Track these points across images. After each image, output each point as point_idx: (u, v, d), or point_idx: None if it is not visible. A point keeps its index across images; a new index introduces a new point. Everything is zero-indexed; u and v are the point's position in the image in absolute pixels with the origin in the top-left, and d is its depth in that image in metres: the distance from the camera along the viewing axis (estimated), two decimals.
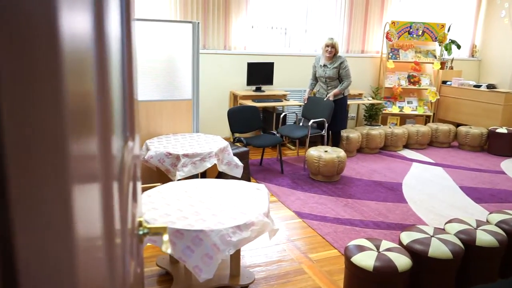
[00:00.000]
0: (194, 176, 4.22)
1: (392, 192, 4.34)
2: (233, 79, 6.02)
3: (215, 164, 3.66)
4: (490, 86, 6.80)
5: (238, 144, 4.71)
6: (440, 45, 6.76)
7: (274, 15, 6.16)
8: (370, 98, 6.28)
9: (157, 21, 3.92)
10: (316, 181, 4.59)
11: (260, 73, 5.92)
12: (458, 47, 7.23)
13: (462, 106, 6.79)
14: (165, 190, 2.70)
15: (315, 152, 4.59)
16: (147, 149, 3.73)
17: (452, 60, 7.36)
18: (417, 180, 4.76)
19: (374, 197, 4.18)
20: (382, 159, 5.58)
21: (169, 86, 4.11)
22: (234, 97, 5.97)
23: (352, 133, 5.56)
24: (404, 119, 7.10)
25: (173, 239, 2.19)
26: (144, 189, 3.94)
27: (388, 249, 2.35)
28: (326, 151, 4.63)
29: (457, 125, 7.26)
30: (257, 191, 2.73)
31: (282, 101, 5.77)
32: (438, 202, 4.12)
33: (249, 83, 5.88)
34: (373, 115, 6.58)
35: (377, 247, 2.39)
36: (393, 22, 6.44)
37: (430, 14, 7.25)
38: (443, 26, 6.50)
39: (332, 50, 4.95)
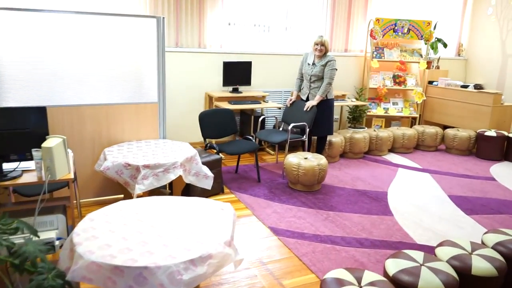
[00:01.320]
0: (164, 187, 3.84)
1: (377, 202, 4.01)
2: (209, 80, 5.63)
3: (181, 175, 3.28)
4: (477, 86, 6.54)
5: (210, 151, 4.32)
6: (426, 44, 6.46)
7: (253, 11, 5.78)
8: (354, 100, 5.95)
9: (114, 15, 3.50)
10: (295, 190, 4.23)
11: (237, 73, 5.54)
12: (445, 45, 6.95)
13: (449, 107, 6.51)
14: (112, 212, 2.31)
15: (294, 159, 4.23)
16: (105, 159, 3.33)
17: (439, 59, 7.08)
18: (403, 188, 4.44)
19: (357, 208, 3.84)
20: (366, 164, 5.26)
21: (132, 87, 3.70)
22: (210, 98, 5.58)
23: (335, 137, 5.22)
24: (389, 121, 6.80)
25: (113, 277, 1.80)
26: (99, 203, 3.58)
27: (372, 284, 1.99)
28: (306, 158, 4.28)
29: (444, 127, 7.00)
30: (221, 212, 2.36)
31: (260, 103, 5.40)
32: (427, 214, 3.80)
33: (226, 83, 5.50)
34: (357, 117, 6.26)
35: (359, 281, 2.03)
36: (377, 19, 6.13)
37: (415, 11, 6.96)
38: (429, 23, 6.21)
39: (322, 48, 4.59)
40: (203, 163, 3.81)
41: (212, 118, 4.32)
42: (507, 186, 4.63)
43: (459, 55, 7.67)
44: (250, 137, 4.52)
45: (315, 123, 4.72)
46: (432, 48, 6.66)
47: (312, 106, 4.63)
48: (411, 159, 5.57)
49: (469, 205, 4.03)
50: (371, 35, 6.15)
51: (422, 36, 6.25)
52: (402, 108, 6.54)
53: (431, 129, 5.97)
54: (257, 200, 3.95)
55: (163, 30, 3.69)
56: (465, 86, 6.50)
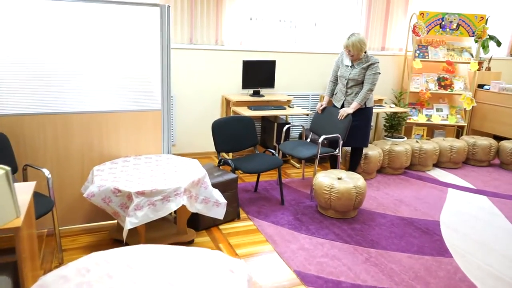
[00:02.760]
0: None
1: (428, 236, 3.24)
2: (226, 81, 4.94)
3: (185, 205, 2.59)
4: None
5: (224, 167, 3.62)
6: (477, 42, 5.60)
7: (277, 4, 5.06)
8: (393, 105, 5.16)
9: (105, 2, 2.84)
10: (326, 217, 3.49)
11: (258, 73, 4.83)
12: (498, 44, 6.06)
13: (503, 115, 5.63)
14: (72, 272, 1.63)
15: (325, 179, 3.49)
16: (92, 181, 2.68)
17: (490, 59, 6.20)
18: (458, 216, 3.64)
19: (405, 245, 3.08)
20: (409, 183, 4.46)
21: (130, 91, 3.04)
22: (227, 102, 4.89)
23: (372, 150, 4.45)
24: (431, 129, 5.96)
25: None
26: (89, 231, 2.67)
27: None
28: (340, 179, 3.54)
29: (493, 136, 6.11)
30: (231, 276, 1.65)
31: (285, 108, 4.68)
32: (495, 255, 3.00)
33: (245, 85, 4.80)
34: (395, 125, 5.46)
35: None
36: (421, 13, 5.31)
37: (461, 4, 6.09)
38: (482, 18, 5.35)
39: (350, 53, 3.84)
40: (215, 185, 3.11)
41: (228, 127, 3.63)
42: None
43: (511, 55, 6.75)
44: (273, 151, 3.81)
45: (349, 133, 3.98)
46: (483, 47, 5.79)
47: (347, 115, 3.89)
48: (461, 177, 4.74)
49: None
50: (413, 31, 5.34)
51: (473, 33, 5.39)
52: (447, 115, 5.69)
53: (483, 141, 5.12)
54: (280, 230, 3.23)
55: (168, 22, 3.01)
56: None
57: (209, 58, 4.80)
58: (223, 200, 2.85)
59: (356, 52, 3.80)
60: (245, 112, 4.41)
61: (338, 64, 4.09)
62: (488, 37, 5.73)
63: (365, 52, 3.90)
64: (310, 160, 4.86)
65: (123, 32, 2.91)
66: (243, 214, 3.49)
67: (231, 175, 3.28)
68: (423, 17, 5.30)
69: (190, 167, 2.89)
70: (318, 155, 3.82)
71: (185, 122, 4.85)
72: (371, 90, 3.89)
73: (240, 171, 3.36)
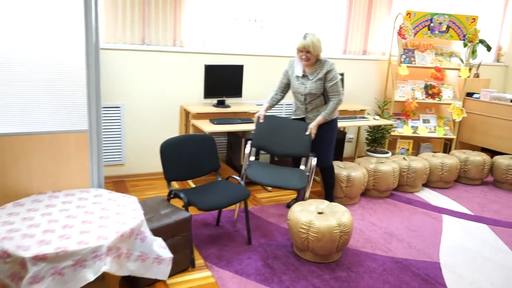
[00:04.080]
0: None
1: (430, 286, 2.60)
2: (186, 89, 4.20)
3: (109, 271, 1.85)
4: None
5: (176, 200, 2.89)
6: (466, 46, 5.07)
7: (246, 2, 4.37)
8: (377, 117, 4.55)
9: None
10: (304, 262, 2.81)
11: (223, 80, 4.12)
12: (488, 48, 5.56)
13: (495, 127, 5.12)
14: None
15: (302, 213, 2.82)
16: None
17: (479, 65, 5.70)
18: (460, 255, 3.03)
19: None
20: (397, 208, 3.85)
21: (46, 107, 2.28)
22: (186, 114, 4.16)
23: (355, 171, 3.81)
24: (417, 142, 5.40)
25: None
26: None
27: None
28: (320, 213, 2.87)
29: (481, 149, 5.61)
30: None
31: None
32: None
33: (208, 94, 4.08)
34: (378, 138, 4.86)
35: None
36: (408, 13, 4.73)
37: (449, 3, 5.57)
38: (474, 19, 4.82)
39: (308, 55, 3.18)
40: (161, 229, 2.38)
41: (181, 149, 2.89)
42: None
43: (498, 60, 6.29)
44: (238, 178, 3.10)
45: (313, 150, 3.39)
46: (472, 52, 5.27)
47: (315, 128, 3.33)
48: (454, 199, 4.17)
49: None
50: (399, 34, 4.75)
51: (464, 36, 4.85)
52: (435, 127, 5.14)
53: (476, 157, 4.57)
54: (246, 284, 2.52)
55: (96, 13, 2.27)
56: None
57: (166, 62, 4.06)
58: (167, 255, 2.12)
59: (316, 54, 3.18)
60: (207, 126, 3.69)
61: (288, 75, 3.43)
62: (478, 40, 5.22)
63: None
64: None
65: (36, 29, 2.15)
66: (199, 260, 2.76)
67: (183, 214, 2.55)
68: (409, 17, 4.73)
69: (124, 209, 2.15)
70: (310, 186, 3.18)
71: (136, 137, 4.09)
72: (340, 101, 3.29)
73: (195, 206, 2.64)
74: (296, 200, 3.74)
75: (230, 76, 4.14)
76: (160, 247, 2.12)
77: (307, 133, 3.32)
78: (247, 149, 3.37)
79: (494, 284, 2.67)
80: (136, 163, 4.14)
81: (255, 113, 4.22)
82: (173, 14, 4.03)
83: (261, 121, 3.39)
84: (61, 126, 2.32)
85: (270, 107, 3.47)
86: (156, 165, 4.20)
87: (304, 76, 3.31)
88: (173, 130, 4.22)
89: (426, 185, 4.49)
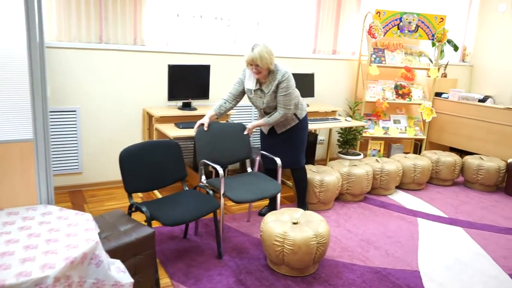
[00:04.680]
0: None
1: None
2: (148, 90, 3.93)
3: None
4: (486, 99, 5.23)
5: (137, 215, 2.62)
6: (435, 46, 5.05)
7: None
8: (349, 118, 4.43)
9: None
10: (279, 276, 2.62)
11: (189, 81, 3.88)
12: (455, 48, 5.58)
13: (464, 127, 5.12)
14: None
15: (276, 224, 2.62)
16: None
17: (447, 65, 5.71)
18: (439, 261, 2.93)
19: None
20: (372, 213, 3.73)
21: None
22: (150, 118, 3.88)
23: (328, 175, 3.66)
24: (388, 143, 5.34)
25: None
26: None
27: None
28: (295, 223, 2.68)
29: (449, 149, 5.63)
30: None
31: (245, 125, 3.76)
32: None
33: (172, 96, 3.82)
34: (350, 140, 4.75)
35: None
36: (377, 12, 4.64)
37: (416, 2, 5.55)
38: (442, 19, 4.79)
39: (258, 69, 2.90)
40: (120, 248, 2.11)
41: (143, 158, 2.63)
42: None
43: (463, 60, 6.35)
44: (207, 187, 2.87)
45: (277, 151, 3.22)
46: (439, 51, 5.26)
47: (251, 128, 3.23)
48: (427, 201, 4.10)
49: None
50: (369, 33, 4.65)
51: (433, 36, 4.81)
52: (405, 127, 5.08)
53: (447, 157, 4.54)
54: None
55: (39, 7, 1.98)
56: (483, 100, 5.14)
57: (126, 61, 3.77)
58: (127, 280, 1.87)
59: (266, 66, 2.88)
60: (172, 131, 3.43)
61: (242, 83, 3.14)
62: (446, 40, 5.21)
63: None
64: None
65: None
66: (165, 279, 2.52)
67: (145, 230, 2.29)
68: (379, 16, 4.64)
69: (76, 229, 1.88)
70: (279, 199, 3.00)
71: (94, 143, 3.77)
72: (286, 114, 3.07)
73: (158, 221, 2.39)
74: (269, 207, 3.55)
75: (196, 77, 3.90)
76: (118, 271, 1.87)
77: (245, 133, 3.20)
78: (200, 169, 3.02)
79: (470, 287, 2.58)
80: (94, 171, 3.82)
81: (225, 115, 4.01)
82: (133, 10, 3.74)
83: (205, 129, 3.04)
84: (1, 136, 2.02)
85: (216, 116, 3.13)
86: (116, 173, 3.90)
87: (260, 90, 3.05)
88: (135, 135, 3.93)
89: (399, 187, 4.41)
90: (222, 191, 2.78)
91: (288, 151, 3.24)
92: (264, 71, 2.93)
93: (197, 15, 4.11)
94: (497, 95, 6.07)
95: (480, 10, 6.19)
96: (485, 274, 2.80)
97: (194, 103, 4.04)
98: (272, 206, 3.54)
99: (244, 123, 4.19)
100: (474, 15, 6.18)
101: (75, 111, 3.62)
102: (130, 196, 2.56)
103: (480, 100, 5.05)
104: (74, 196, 3.64)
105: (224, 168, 2.93)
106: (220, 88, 4.29)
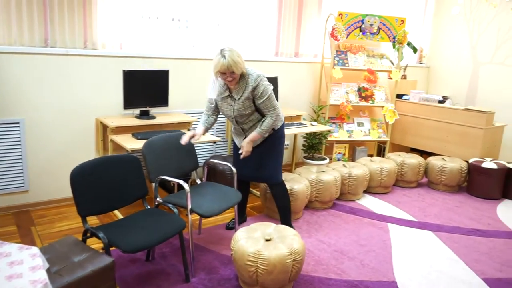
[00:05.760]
0: None
1: None
2: (101, 98, 3.62)
3: None
4: (445, 99, 5.32)
5: (93, 243, 2.34)
6: (396, 48, 5.06)
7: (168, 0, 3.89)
8: (315, 123, 4.31)
9: None
10: None
11: (147, 87, 3.61)
12: (414, 50, 5.65)
13: (425, 128, 5.17)
14: None
15: (248, 243, 2.44)
16: None
17: (406, 67, 5.76)
18: (414, 270, 2.86)
19: None
20: (342, 220, 3.63)
21: None
22: (104, 128, 3.57)
23: (297, 184, 3.52)
24: (352, 146, 5.30)
25: None
26: None
27: None
28: (268, 240, 2.51)
29: (410, 149, 5.69)
30: None
31: (184, 133, 3.52)
32: None
33: (128, 104, 3.54)
34: (315, 144, 4.65)
35: None
36: (340, 14, 4.57)
37: (376, 4, 5.56)
38: (402, 21, 4.80)
39: (233, 76, 2.65)
40: (74, 284, 1.84)
41: (97, 176, 2.36)
42: None
43: (420, 62, 6.45)
44: (171, 205, 2.63)
45: (255, 166, 3.01)
46: (398, 53, 5.29)
47: (249, 146, 2.91)
48: (395, 204, 4.07)
49: None
50: (332, 35, 4.57)
51: (394, 38, 4.81)
52: (369, 130, 5.06)
53: (411, 159, 4.54)
54: None
55: None
56: (442, 101, 5.22)
57: (75, 67, 3.44)
58: None
59: (241, 71, 2.65)
60: (129, 142, 3.16)
61: (217, 98, 2.92)
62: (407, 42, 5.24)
63: None
64: None
65: None
66: None
67: (103, 260, 2.03)
68: (341, 18, 4.57)
69: (19, 269, 1.60)
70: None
71: (42, 158, 3.42)
72: (278, 115, 2.86)
73: (117, 247, 2.14)
74: (237, 220, 3.34)
75: (154, 83, 3.64)
76: None
77: (242, 155, 2.90)
78: (156, 187, 2.74)
79: None
80: (42, 189, 3.47)
81: (184, 123, 3.78)
82: (82, 11, 3.43)
83: (197, 138, 2.82)
84: None
85: (206, 130, 2.93)
86: (68, 190, 3.55)
87: (230, 96, 2.81)
88: (88, 147, 3.61)
89: (366, 191, 4.36)
90: (189, 207, 2.56)
91: (264, 164, 3.00)
92: (237, 77, 2.69)
93: (153, 17, 3.85)
94: (452, 95, 6.21)
95: (435, 13, 6.32)
96: (460, 280, 2.75)
97: (153, 111, 3.78)
98: (239, 219, 3.36)
99: (209, 132, 3.97)
100: (430, 18, 6.30)
101: (18, 123, 3.26)
102: (84, 220, 2.28)
103: (439, 101, 5.11)
104: (19, 218, 3.27)
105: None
106: (180, 94, 4.04)
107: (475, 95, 5.98)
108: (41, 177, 3.44)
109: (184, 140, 2.75)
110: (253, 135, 2.86)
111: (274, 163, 3.02)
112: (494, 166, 4.28)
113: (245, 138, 2.94)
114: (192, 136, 2.78)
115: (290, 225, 3.18)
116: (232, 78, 2.66)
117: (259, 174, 3.04)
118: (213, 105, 2.93)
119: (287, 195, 3.15)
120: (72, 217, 3.33)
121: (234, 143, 3.12)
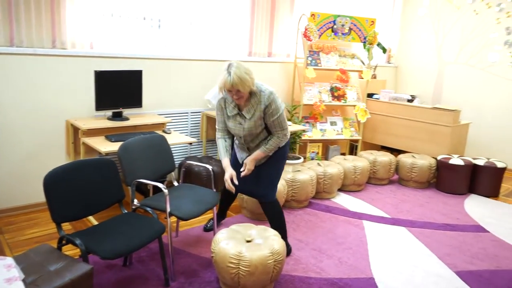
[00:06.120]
0: None
1: None
2: (72, 100, 3.50)
3: None
4: (413, 98, 5.49)
5: (69, 250, 2.27)
6: (366, 48, 5.17)
7: None
8: (289, 123, 4.33)
9: None
10: None
11: (119, 88, 3.52)
12: (384, 50, 5.79)
13: (395, 127, 5.31)
14: None
15: (229, 245, 2.42)
16: None
17: (376, 67, 5.89)
18: (390, 266, 2.93)
19: None
20: (319, 219, 3.67)
21: None
22: (75, 131, 3.46)
23: None
24: (325, 145, 5.37)
25: None
26: None
27: None
28: (249, 241, 2.50)
29: (380, 147, 5.83)
30: None
31: (164, 133, 3.46)
32: None
33: (101, 106, 3.44)
34: (290, 144, 4.67)
35: None
36: (312, 15, 4.61)
37: (347, 5, 5.66)
38: (373, 22, 4.90)
39: (239, 94, 2.52)
40: None
41: (71, 181, 2.28)
42: (507, 240, 3.44)
43: (389, 62, 6.62)
44: (149, 208, 2.58)
45: (252, 181, 2.86)
46: (368, 53, 5.40)
47: (252, 164, 2.78)
48: (369, 202, 4.15)
49: None
50: (304, 35, 4.61)
51: (365, 38, 4.91)
52: (342, 128, 5.14)
53: (383, 157, 4.65)
54: None
55: None
56: (411, 100, 5.37)
57: (44, 67, 3.31)
58: None
59: (249, 89, 2.51)
60: (103, 145, 3.07)
61: (223, 113, 2.75)
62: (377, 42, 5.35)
63: None
64: None
65: None
66: None
67: (82, 267, 1.96)
68: (314, 19, 4.61)
69: None
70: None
71: (8, 162, 3.27)
72: (285, 136, 2.73)
73: (95, 253, 2.07)
74: (216, 220, 3.29)
75: (127, 84, 3.55)
76: None
77: (242, 169, 2.77)
78: (132, 191, 2.64)
79: None
80: (10, 195, 3.32)
81: (159, 124, 3.72)
82: (50, 8, 3.30)
83: (236, 182, 2.65)
84: None
85: (229, 157, 2.77)
86: (38, 195, 3.43)
87: (239, 114, 2.67)
88: (58, 151, 3.49)
89: (340, 189, 4.43)
90: (168, 210, 2.51)
91: (260, 181, 2.84)
92: (246, 95, 2.55)
93: (124, 16, 3.76)
94: (419, 94, 6.41)
95: (403, 14, 6.49)
96: (434, 274, 2.84)
97: (126, 112, 3.69)
98: (218, 219, 3.34)
99: (181, 131, 3.95)
100: (397, 19, 6.46)
101: None
102: (59, 227, 2.19)
103: (408, 100, 5.26)
104: None
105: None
106: (154, 95, 3.97)
107: (440, 94, 6.19)
108: (7, 183, 3.29)
109: (229, 187, 2.62)
110: (258, 153, 2.73)
111: (271, 181, 2.87)
112: (461, 163, 4.44)
113: (248, 155, 2.81)
114: (231, 178, 2.64)
115: (286, 242, 2.94)
116: (239, 96, 2.52)
117: (254, 190, 2.88)
118: (220, 117, 2.76)
119: (281, 213, 2.92)
120: (42, 224, 3.21)
121: (234, 154, 2.98)
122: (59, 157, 3.49)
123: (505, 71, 5.46)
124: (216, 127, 2.82)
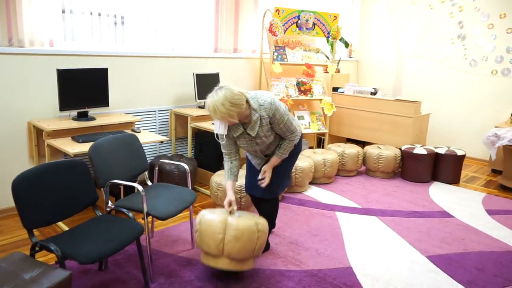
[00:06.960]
0: None
1: None
2: (33, 100, 3.33)
3: None
4: (376, 91, 5.65)
5: (44, 256, 2.15)
6: (329, 43, 5.25)
7: None
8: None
9: None
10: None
11: (84, 87, 3.38)
12: (346, 45, 5.90)
13: (358, 119, 5.44)
14: None
15: (214, 216, 2.39)
16: None
17: (339, 61, 6.00)
18: (366, 254, 3.00)
19: None
20: (293, 212, 3.70)
21: None
22: (38, 133, 3.29)
23: None
24: None
25: None
26: None
27: None
28: (232, 212, 2.48)
29: (346, 140, 5.97)
30: None
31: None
32: None
33: (65, 106, 3.30)
34: None
35: None
36: (277, 10, 4.63)
37: (306, 1, 5.73)
38: (335, 17, 4.99)
39: (230, 120, 2.40)
40: None
41: (41, 185, 2.17)
42: (471, 224, 3.62)
43: (350, 56, 6.77)
44: (125, 210, 2.50)
45: (270, 182, 2.77)
46: (331, 48, 5.50)
47: (269, 171, 2.74)
48: (339, 193, 4.24)
49: (467, 275, 2.79)
50: (270, 31, 4.63)
51: (329, 33, 4.99)
52: (309, 122, 5.21)
53: (351, 149, 4.76)
54: None
55: None
56: (374, 93, 5.52)
57: (1, 66, 3.12)
58: None
59: (231, 118, 2.35)
60: (70, 146, 2.95)
61: (229, 135, 2.60)
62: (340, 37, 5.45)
63: (247, 102, 2.44)
64: None
65: None
66: None
67: (59, 274, 1.87)
68: (278, 14, 4.63)
69: None
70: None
71: None
72: (297, 137, 2.69)
73: (72, 258, 1.98)
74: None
75: (92, 82, 3.42)
76: None
77: (260, 177, 2.70)
78: (106, 192, 2.54)
79: (405, 280, 2.68)
80: None
81: (127, 123, 3.61)
82: (5, 4, 3.11)
83: (234, 207, 2.54)
84: None
85: (236, 181, 2.69)
86: (1, 200, 3.24)
87: (246, 133, 2.57)
88: (20, 154, 3.31)
89: (311, 182, 4.49)
90: (145, 210, 2.45)
91: (273, 182, 2.77)
92: (240, 116, 2.41)
93: (85, 12, 3.61)
94: (381, 87, 6.60)
95: (362, 9, 6.65)
96: (408, 260, 2.94)
97: (92, 111, 3.56)
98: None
99: (150, 130, 3.87)
100: (357, 14, 6.62)
101: None
102: (31, 234, 2.08)
103: (372, 93, 5.40)
104: None
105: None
106: (121, 93, 3.85)
107: (401, 86, 6.40)
108: None
109: (227, 212, 2.51)
110: (274, 159, 2.69)
111: (281, 180, 2.83)
112: (424, 152, 4.62)
113: (266, 161, 2.75)
114: (230, 205, 2.55)
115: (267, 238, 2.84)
116: (228, 121, 2.41)
117: (262, 189, 2.78)
118: (225, 141, 2.61)
119: (277, 209, 2.98)
120: (7, 231, 3.03)
121: (249, 162, 2.89)
122: (22, 161, 3.31)
123: (459, 63, 5.72)
124: (222, 150, 2.71)
